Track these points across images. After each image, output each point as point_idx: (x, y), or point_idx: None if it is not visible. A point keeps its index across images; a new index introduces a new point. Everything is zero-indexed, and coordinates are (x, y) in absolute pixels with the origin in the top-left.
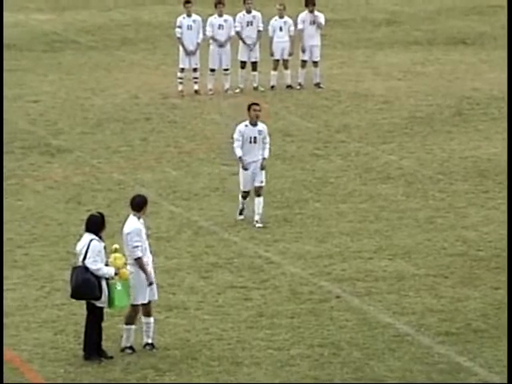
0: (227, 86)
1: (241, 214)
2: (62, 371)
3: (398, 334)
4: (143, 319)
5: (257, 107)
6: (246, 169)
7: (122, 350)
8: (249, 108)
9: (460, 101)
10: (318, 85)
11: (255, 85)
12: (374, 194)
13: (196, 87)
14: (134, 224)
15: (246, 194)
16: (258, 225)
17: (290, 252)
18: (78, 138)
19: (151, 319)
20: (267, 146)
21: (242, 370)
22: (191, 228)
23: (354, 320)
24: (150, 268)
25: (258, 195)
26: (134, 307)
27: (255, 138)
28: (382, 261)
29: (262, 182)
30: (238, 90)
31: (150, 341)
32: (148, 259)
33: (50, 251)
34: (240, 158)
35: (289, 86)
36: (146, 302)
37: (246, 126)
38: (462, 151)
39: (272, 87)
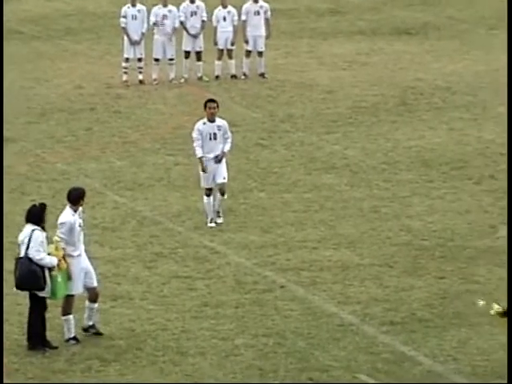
0: (172, 75)
1: (211, 221)
2: (6, 361)
3: (342, 323)
4: (87, 304)
5: (212, 104)
6: (204, 171)
7: (67, 341)
8: (205, 106)
9: (404, 91)
10: (262, 75)
11: (199, 75)
12: (319, 184)
13: (140, 77)
14: (67, 217)
15: (209, 192)
16: (218, 220)
17: (235, 242)
18: (22, 127)
19: (95, 305)
20: (229, 140)
21: (186, 359)
22: (135, 218)
23: (299, 310)
24: (80, 260)
25: (222, 193)
26: (68, 297)
27: (215, 134)
28: (327, 250)
29: (224, 178)
30: (182, 80)
31: (91, 323)
32: (80, 251)
33: None
34: (200, 158)
35: (233, 76)
36: (80, 291)
37: (204, 123)
38: (406, 141)
39: (216, 77)
